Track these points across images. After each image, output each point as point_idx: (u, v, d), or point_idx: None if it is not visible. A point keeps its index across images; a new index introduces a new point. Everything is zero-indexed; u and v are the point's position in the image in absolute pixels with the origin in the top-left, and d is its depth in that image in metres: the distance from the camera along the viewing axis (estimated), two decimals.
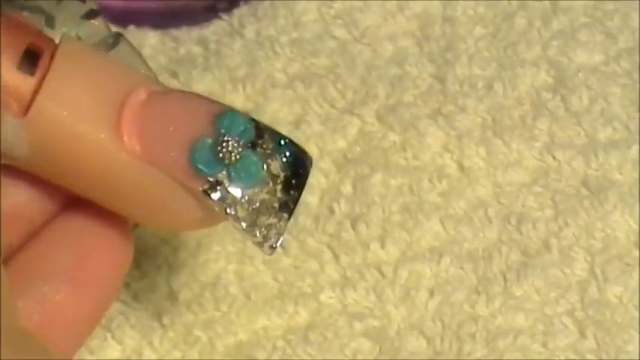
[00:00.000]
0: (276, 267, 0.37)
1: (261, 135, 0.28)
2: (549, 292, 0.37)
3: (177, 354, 0.36)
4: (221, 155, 0.27)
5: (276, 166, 0.28)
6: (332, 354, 0.36)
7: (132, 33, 0.42)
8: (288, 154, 0.28)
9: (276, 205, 0.28)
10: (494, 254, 0.37)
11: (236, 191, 0.28)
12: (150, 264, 0.37)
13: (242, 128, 0.28)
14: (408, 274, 0.37)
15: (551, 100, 0.41)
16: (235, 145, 0.28)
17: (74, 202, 0.29)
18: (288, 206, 0.29)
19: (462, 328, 0.36)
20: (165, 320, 0.36)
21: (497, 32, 0.43)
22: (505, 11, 0.43)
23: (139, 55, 0.34)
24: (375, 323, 0.36)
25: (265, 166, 0.28)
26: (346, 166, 0.39)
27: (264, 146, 0.28)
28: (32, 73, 0.26)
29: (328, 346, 0.36)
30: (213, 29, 0.43)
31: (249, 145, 0.28)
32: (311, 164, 0.29)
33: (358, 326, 0.36)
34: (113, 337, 0.36)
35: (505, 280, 0.37)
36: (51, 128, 0.27)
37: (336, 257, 0.37)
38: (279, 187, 0.28)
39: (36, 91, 0.26)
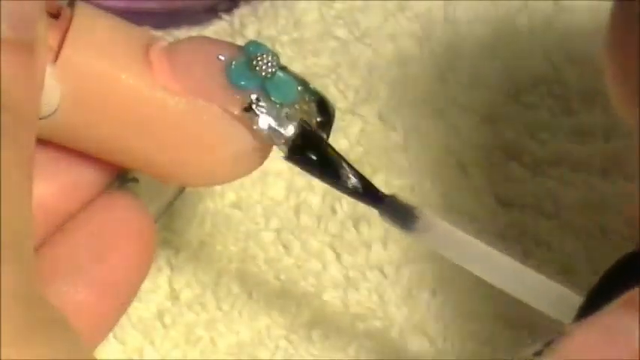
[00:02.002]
0: (279, 266, 0.37)
1: (286, 70, 0.29)
2: None
3: (179, 353, 0.35)
4: (258, 69, 0.28)
5: (305, 89, 0.29)
6: (334, 354, 0.35)
7: None
8: (315, 93, 0.29)
9: (314, 123, 0.29)
10: None
11: (276, 106, 0.28)
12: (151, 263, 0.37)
13: (270, 52, 0.28)
14: (410, 274, 0.37)
15: (552, 99, 0.41)
16: (269, 60, 0.28)
17: (97, 200, 0.29)
18: (325, 128, 0.29)
19: (464, 328, 0.36)
20: (167, 320, 0.36)
21: (498, 32, 0.42)
22: (506, 11, 0.43)
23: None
24: (377, 323, 0.36)
25: (297, 85, 0.28)
26: None
27: (291, 73, 0.29)
28: (57, 18, 0.27)
29: (331, 346, 0.36)
30: (214, 29, 0.43)
31: (280, 67, 0.28)
32: (334, 113, 0.30)
33: (360, 326, 0.36)
34: (115, 336, 0.36)
35: None
36: (81, 72, 0.27)
37: (339, 257, 0.37)
38: (313, 108, 0.29)
39: (62, 40, 0.26)
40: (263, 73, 0.28)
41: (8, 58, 0.25)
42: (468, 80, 0.41)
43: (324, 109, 0.29)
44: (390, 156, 0.39)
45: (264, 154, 0.28)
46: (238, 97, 0.27)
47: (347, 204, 0.38)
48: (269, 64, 0.28)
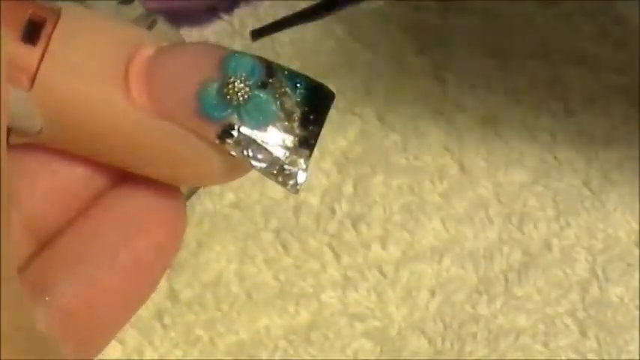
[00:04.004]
0: (278, 267, 0.37)
1: (272, 74, 0.28)
2: (550, 292, 0.37)
3: (179, 353, 0.35)
4: (228, 97, 0.27)
5: (291, 102, 0.28)
6: (333, 354, 0.35)
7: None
8: (304, 90, 0.28)
9: (295, 142, 0.28)
10: (495, 254, 0.37)
11: (249, 131, 0.27)
12: None
13: (249, 68, 0.27)
14: (409, 274, 0.37)
15: (552, 100, 0.41)
16: (242, 85, 0.27)
17: (122, 178, 0.29)
18: (309, 142, 0.28)
19: (463, 328, 0.36)
20: (167, 320, 0.36)
21: (497, 33, 0.42)
22: (506, 11, 0.43)
23: (178, 32, 0.33)
24: (377, 323, 0.36)
25: (279, 104, 0.28)
26: (347, 166, 0.39)
27: (277, 85, 0.28)
28: (35, 44, 0.26)
29: (330, 346, 0.36)
30: (214, 29, 0.43)
31: (259, 84, 0.28)
32: (331, 98, 0.29)
33: (359, 326, 0.36)
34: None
35: (506, 279, 0.37)
36: (58, 95, 0.26)
37: (338, 257, 0.37)
38: (296, 123, 0.28)
39: (40, 61, 0.26)
40: (235, 102, 0.27)
41: None
42: (467, 80, 0.41)
43: (317, 98, 0.28)
44: (388, 155, 0.39)
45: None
46: (211, 125, 0.27)
47: (346, 204, 0.38)
48: (242, 90, 0.27)
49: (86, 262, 0.28)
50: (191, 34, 0.43)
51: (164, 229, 0.28)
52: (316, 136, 0.28)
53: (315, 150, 0.39)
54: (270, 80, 0.28)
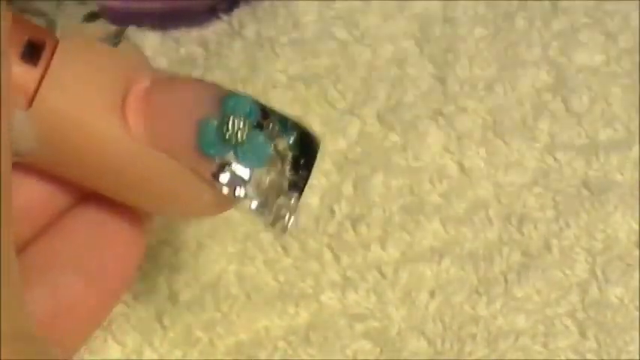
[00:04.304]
0: (277, 267, 0.37)
1: (266, 116, 0.28)
2: (550, 293, 0.37)
3: (178, 354, 0.35)
4: (227, 136, 0.27)
5: (283, 145, 0.28)
6: (333, 355, 0.35)
7: (132, 34, 0.42)
8: (294, 134, 0.28)
9: (285, 185, 0.28)
10: (494, 255, 0.37)
11: (244, 172, 0.28)
12: (150, 265, 0.37)
13: (247, 109, 0.28)
14: (409, 275, 0.37)
15: (552, 100, 0.41)
16: (242, 125, 0.27)
17: (88, 195, 0.29)
18: (298, 186, 0.28)
19: (462, 329, 0.36)
20: (166, 321, 0.36)
21: (497, 33, 0.42)
22: (505, 11, 0.43)
23: (142, 53, 0.34)
24: (376, 324, 0.36)
25: (273, 146, 0.28)
26: (347, 167, 0.39)
27: (271, 127, 0.28)
28: (35, 64, 0.26)
29: (329, 347, 0.36)
30: (214, 29, 0.43)
31: (256, 125, 0.28)
32: (318, 145, 0.29)
33: (359, 327, 0.36)
34: (114, 338, 0.36)
35: (506, 280, 0.37)
36: (56, 118, 0.26)
37: (337, 258, 0.37)
38: (287, 167, 0.28)
39: (39, 83, 0.26)
40: (233, 142, 0.27)
41: None
42: (467, 81, 0.41)
43: (307, 143, 0.29)
44: (388, 156, 0.39)
45: None
46: (207, 162, 0.27)
47: (345, 205, 0.38)
48: (241, 130, 0.28)
49: (50, 273, 0.28)
50: (191, 34, 0.43)
51: (126, 241, 0.29)
52: (306, 180, 0.28)
53: None
54: (265, 122, 0.28)
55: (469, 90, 0.41)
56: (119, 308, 0.36)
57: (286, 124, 0.28)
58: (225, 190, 0.27)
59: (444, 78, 0.41)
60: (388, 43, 0.42)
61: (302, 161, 0.28)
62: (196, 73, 0.41)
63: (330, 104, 0.41)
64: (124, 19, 0.43)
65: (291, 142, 0.28)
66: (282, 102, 0.40)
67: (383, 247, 0.38)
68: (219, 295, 0.36)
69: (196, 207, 0.28)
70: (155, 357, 0.35)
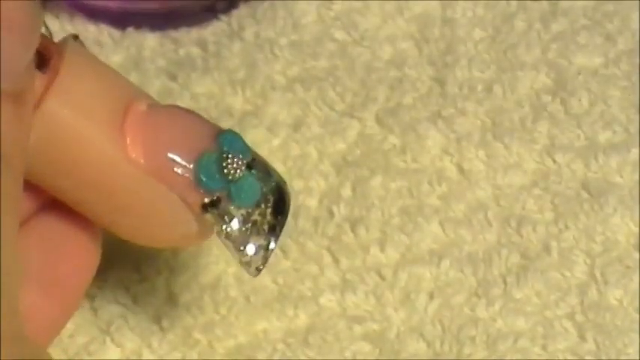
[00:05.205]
0: (276, 270, 0.37)
1: (255, 157, 0.29)
2: (549, 295, 0.37)
3: (177, 356, 0.35)
4: (226, 171, 0.28)
5: (268, 188, 0.29)
6: (332, 357, 0.35)
7: (131, 35, 0.42)
8: (274, 179, 0.29)
9: (265, 227, 0.29)
10: (494, 257, 0.37)
11: (234, 209, 0.28)
12: (149, 267, 0.37)
13: (241, 147, 0.28)
14: (408, 277, 0.37)
15: (551, 102, 0.41)
16: (239, 162, 0.28)
17: (47, 205, 0.29)
18: (276, 231, 0.29)
19: (461, 331, 0.36)
20: (165, 323, 0.36)
21: (496, 34, 0.42)
22: (504, 13, 0.43)
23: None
24: (375, 326, 0.36)
25: (260, 187, 0.28)
26: (346, 169, 0.39)
27: (259, 168, 0.29)
28: (43, 71, 0.26)
29: (328, 349, 0.36)
30: (212, 30, 0.43)
31: (247, 164, 0.28)
32: (289, 195, 0.30)
33: (358, 329, 0.36)
34: (112, 340, 0.36)
35: (505, 282, 0.37)
36: (57, 126, 0.27)
37: (336, 260, 0.37)
38: (269, 210, 0.29)
39: (45, 90, 0.26)
40: (229, 177, 0.28)
41: (6, 109, 0.24)
42: (467, 83, 0.41)
43: (282, 195, 0.29)
44: (387, 158, 0.39)
45: None
46: (200, 194, 0.28)
47: (344, 207, 0.38)
48: (237, 166, 0.28)
49: None
50: (190, 35, 0.43)
51: (83, 253, 0.29)
52: (282, 226, 0.29)
53: (314, 152, 0.40)
54: (254, 163, 0.28)
55: (468, 92, 0.41)
56: (118, 310, 0.36)
57: (267, 167, 0.29)
58: (212, 223, 0.28)
59: (443, 80, 0.41)
60: (387, 44, 0.42)
61: (280, 206, 0.29)
62: (195, 75, 0.41)
63: (329, 106, 0.41)
64: (122, 20, 0.43)
65: (273, 184, 0.29)
66: (281, 104, 0.41)
67: (382, 250, 0.37)
68: (218, 298, 0.36)
69: (176, 235, 0.29)
70: (154, 359, 0.35)
